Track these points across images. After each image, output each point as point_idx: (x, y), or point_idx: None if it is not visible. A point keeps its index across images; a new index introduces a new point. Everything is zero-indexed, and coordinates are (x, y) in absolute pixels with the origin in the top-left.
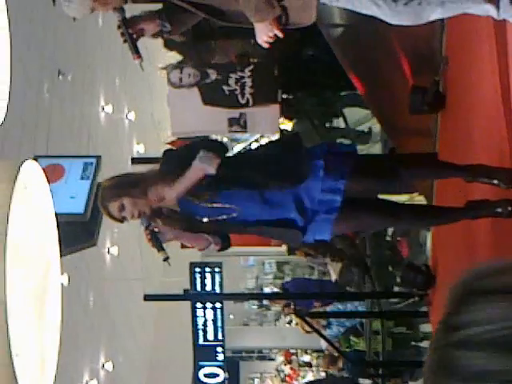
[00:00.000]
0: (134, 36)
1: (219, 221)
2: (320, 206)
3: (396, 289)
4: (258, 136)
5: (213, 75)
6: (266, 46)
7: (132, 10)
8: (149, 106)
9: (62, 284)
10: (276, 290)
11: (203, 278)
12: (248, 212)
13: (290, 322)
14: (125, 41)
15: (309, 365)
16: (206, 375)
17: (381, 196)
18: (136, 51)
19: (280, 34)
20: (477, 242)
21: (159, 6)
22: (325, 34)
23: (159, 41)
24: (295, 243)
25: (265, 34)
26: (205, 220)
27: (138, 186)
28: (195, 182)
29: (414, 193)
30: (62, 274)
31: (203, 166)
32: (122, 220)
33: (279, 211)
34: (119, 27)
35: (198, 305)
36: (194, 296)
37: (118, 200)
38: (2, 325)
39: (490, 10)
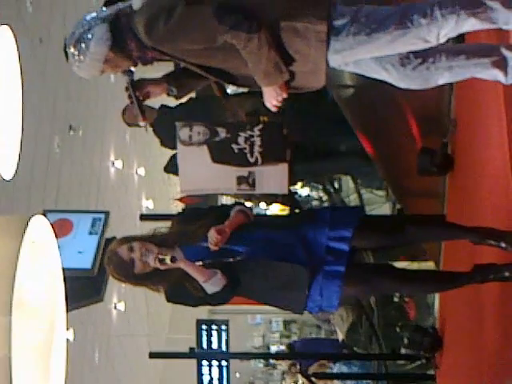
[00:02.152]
0: (141, 98)
1: (223, 263)
2: (327, 255)
3: (403, 351)
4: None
5: (222, 133)
6: (274, 109)
7: (143, 72)
8: (159, 161)
9: (68, 339)
10: (283, 348)
11: (210, 336)
12: (253, 252)
13: (296, 382)
14: (131, 102)
15: None
16: None
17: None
18: (142, 113)
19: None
20: (485, 306)
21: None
22: (334, 94)
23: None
24: (299, 309)
25: (273, 97)
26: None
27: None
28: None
29: (422, 258)
30: (68, 329)
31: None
32: (130, 261)
33: (285, 251)
34: (127, 89)
35: (204, 363)
36: (199, 354)
37: (127, 243)
38: (6, 380)
39: (498, 75)
